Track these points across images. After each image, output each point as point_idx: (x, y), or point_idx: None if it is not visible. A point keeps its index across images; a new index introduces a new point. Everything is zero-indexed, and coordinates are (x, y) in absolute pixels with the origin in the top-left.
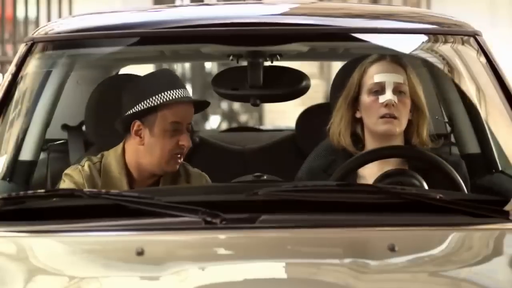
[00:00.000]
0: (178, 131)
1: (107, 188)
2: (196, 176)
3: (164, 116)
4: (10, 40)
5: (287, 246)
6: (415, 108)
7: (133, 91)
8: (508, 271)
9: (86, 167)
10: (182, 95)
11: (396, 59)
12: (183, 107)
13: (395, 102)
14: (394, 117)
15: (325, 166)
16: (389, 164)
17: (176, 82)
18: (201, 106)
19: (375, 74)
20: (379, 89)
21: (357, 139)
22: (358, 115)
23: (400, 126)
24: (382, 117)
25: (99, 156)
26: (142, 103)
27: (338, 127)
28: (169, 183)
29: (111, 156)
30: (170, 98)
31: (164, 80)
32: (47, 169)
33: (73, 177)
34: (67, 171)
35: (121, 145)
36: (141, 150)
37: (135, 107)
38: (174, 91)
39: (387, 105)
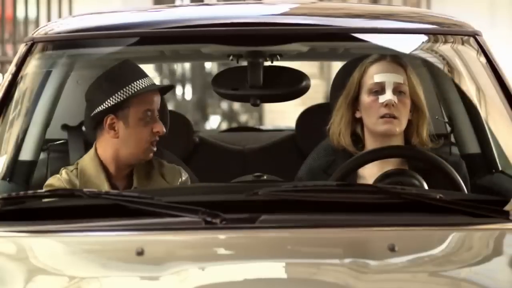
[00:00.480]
0: (152, 119)
1: (86, 186)
2: (170, 168)
3: (137, 106)
4: (10, 40)
5: (287, 246)
6: (415, 108)
7: (99, 88)
8: (508, 271)
9: (64, 174)
10: (149, 84)
11: (396, 59)
12: (152, 94)
13: (395, 102)
14: (394, 117)
15: (325, 166)
16: (389, 164)
17: (140, 72)
18: (165, 91)
19: (375, 74)
20: (379, 89)
21: (357, 139)
22: (358, 115)
23: (400, 126)
24: (382, 117)
25: (74, 164)
26: (113, 97)
27: (338, 127)
28: (142, 175)
29: (86, 159)
30: (140, 87)
31: (130, 71)
32: (47, 169)
33: (53, 185)
34: (47, 182)
35: (93, 146)
36: (116, 143)
37: (105, 102)
38: (141, 80)
39: (387, 105)
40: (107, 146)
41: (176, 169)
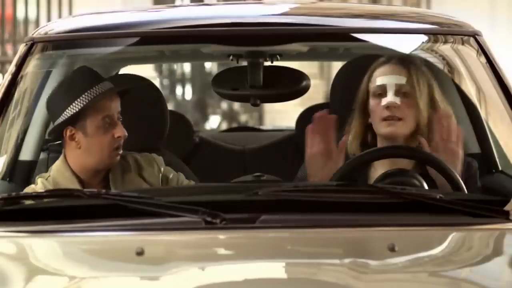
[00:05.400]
0: (111, 124)
1: None
2: (146, 161)
3: (93, 114)
4: (10, 40)
5: (287, 246)
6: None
7: (56, 99)
8: (508, 271)
9: (39, 184)
10: (104, 89)
11: (401, 61)
12: (108, 99)
13: (397, 103)
14: (398, 119)
15: None
16: (399, 165)
17: (94, 78)
18: (124, 92)
19: (378, 77)
20: (382, 92)
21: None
22: (370, 121)
23: (404, 127)
24: (385, 119)
25: (49, 171)
26: (68, 109)
27: (351, 138)
28: (119, 176)
29: (57, 166)
30: (94, 95)
31: (83, 80)
32: (47, 169)
33: None
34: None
35: (62, 154)
36: (80, 153)
37: (62, 115)
38: (95, 88)
39: (388, 107)
40: (73, 156)
41: (153, 159)
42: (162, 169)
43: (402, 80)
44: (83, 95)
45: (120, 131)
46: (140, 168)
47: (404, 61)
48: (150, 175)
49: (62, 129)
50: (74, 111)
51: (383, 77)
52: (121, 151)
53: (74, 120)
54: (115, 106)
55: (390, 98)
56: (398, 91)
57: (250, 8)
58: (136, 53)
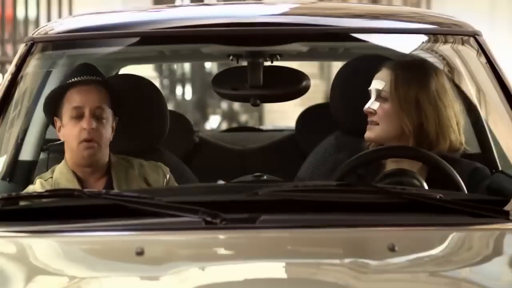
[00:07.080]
0: (82, 117)
1: None
2: (152, 167)
3: (67, 103)
4: (10, 40)
5: (287, 246)
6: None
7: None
8: (508, 271)
9: (38, 185)
10: (82, 79)
11: (389, 65)
12: (82, 90)
13: (372, 109)
14: (376, 123)
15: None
16: (405, 165)
17: (85, 71)
18: (112, 90)
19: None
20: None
21: None
22: None
23: (378, 131)
24: (367, 123)
25: (50, 172)
26: (53, 96)
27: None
28: (123, 176)
29: (59, 166)
30: (66, 84)
31: (77, 73)
32: (47, 169)
33: None
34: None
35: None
36: (66, 146)
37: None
38: (79, 78)
39: (367, 112)
40: (66, 150)
41: (159, 166)
42: (167, 176)
43: (381, 84)
44: (65, 84)
45: (86, 123)
46: (145, 172)
47: (393, 65)
48: (155, 181)
49: (50, 118)
50: (56, 98)
51: (372, 82)
52: (93, 145)
53: (57, 110)
54: (89, 99)
55: (368, 103)
56: (378, 96)
57: (250, 8)
58: (136, 53)
